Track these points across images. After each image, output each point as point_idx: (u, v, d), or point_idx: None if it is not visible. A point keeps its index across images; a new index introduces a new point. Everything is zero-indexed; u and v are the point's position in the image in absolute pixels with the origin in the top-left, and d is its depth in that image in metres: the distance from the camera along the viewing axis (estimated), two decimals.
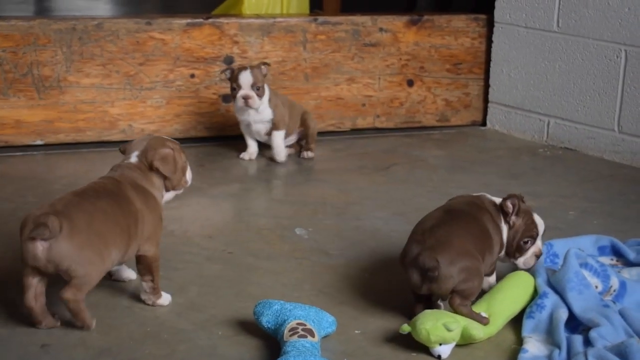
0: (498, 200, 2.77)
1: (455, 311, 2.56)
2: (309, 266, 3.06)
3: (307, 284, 2.92)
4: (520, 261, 2.78)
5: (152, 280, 2.74)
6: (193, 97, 4.45)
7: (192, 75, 4.43)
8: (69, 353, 2.44)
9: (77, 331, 2.55)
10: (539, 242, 2.79)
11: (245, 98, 4.02)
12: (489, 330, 2.57)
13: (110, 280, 2.88)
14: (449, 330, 2.44)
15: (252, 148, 4.25)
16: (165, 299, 2.78)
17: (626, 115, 4.33)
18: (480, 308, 2.61)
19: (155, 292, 2.76)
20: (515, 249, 2.76)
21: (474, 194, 2.84)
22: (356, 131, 4.73)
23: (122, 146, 2.87)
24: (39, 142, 4.28)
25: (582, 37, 4.46)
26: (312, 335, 2.40)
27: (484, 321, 2.55)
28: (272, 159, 4.19)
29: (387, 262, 3.01)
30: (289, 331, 2.41)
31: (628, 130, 4.33)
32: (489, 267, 2.75)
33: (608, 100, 4.39)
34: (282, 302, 2.53)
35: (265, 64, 4.09)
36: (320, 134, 4.42)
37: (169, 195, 2.87)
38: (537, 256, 2.78)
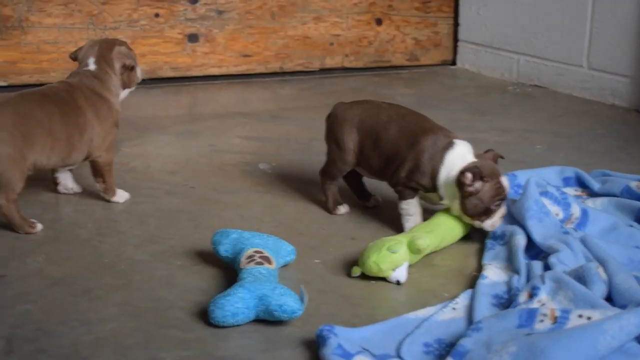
0: (464, 159, 2.64)
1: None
2: (270, 199, 3.03)
3: (268, 216, 2.89)
4: (488, 223, 2.64)
5: (104, 182, 2.94)
6: (158, 37, 4.39)
7: (157, 15, 4.36)
8: (24, 283, 2.41)
9: (34, 262, 2.52)
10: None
11: None
12: (433, 239, 2.55)
13: (57, 193, 3.02)
14: (393, 252, 2.41)
15: None
16: (120, 196, 2.97)
17: (595, 52, 4.30)
18: (423, 228, 2.60)
19: (108, 191, 2.95)
20: (482, 212, 2.63)
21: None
22: (325, 71, 4.69)
23: (73, 53, 3.00)
24: (2, 84, 4.22)
25: None
26: (269, 262, 2.37)
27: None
28: None
29: (349, 196, 2.97)
30: (246, 259, 2.37)
31: (597, 66, 4.31)
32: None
33: (577, 36, 4.36)
34: (240, 231, 2.50)
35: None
36: (288, 74, 4.37)
37: (124, 94, 3.00)
38: (502, 218, 2.66)
